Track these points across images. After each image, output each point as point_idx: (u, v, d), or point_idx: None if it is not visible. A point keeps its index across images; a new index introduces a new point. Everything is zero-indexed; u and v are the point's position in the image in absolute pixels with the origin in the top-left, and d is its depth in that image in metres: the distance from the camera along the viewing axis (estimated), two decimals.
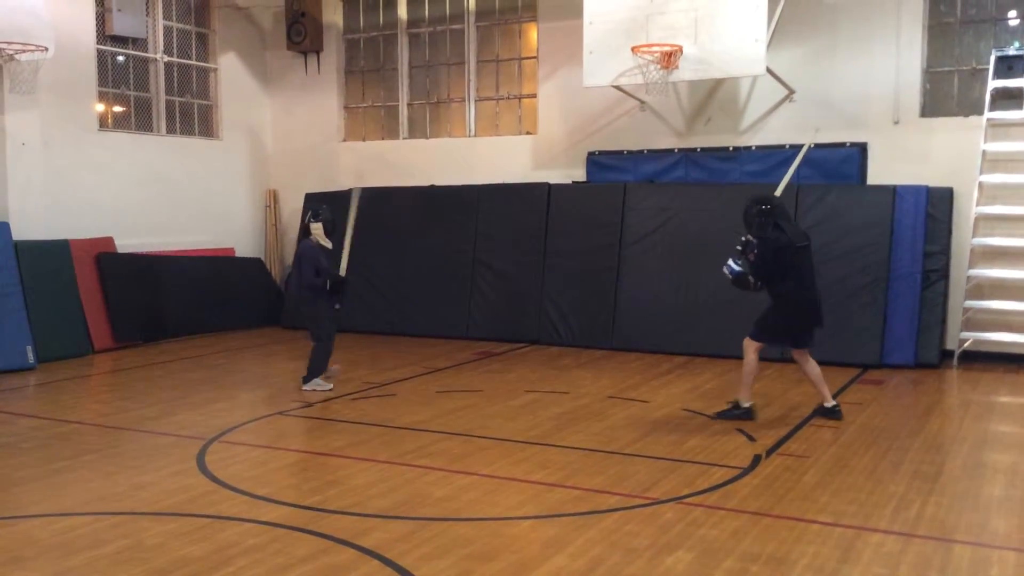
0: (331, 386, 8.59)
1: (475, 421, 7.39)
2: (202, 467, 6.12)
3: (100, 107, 11.87)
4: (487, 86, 13.06)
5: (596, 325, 11.08)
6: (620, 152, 11.80)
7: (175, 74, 12.90)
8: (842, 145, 10.69)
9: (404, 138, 13.58)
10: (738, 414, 7.30)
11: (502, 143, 12.79)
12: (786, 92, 10.86)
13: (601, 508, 5.25)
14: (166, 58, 12.70)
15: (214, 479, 5.85)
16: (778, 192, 7.77)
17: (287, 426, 7.53)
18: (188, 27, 13.10)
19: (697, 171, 11.36)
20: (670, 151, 11.54)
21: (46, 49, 9.90)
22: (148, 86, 12.58)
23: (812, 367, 7.40)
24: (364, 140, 13.84)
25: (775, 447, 6.57)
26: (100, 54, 11.74)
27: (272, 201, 14.17)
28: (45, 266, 10.29)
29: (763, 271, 7.16)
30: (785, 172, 8.70)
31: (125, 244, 11.63)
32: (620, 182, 11.53)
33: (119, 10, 11.75)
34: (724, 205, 10.81)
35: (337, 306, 8.63)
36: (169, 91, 12.80)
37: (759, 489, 5.61)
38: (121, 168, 11.91)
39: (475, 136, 13.09)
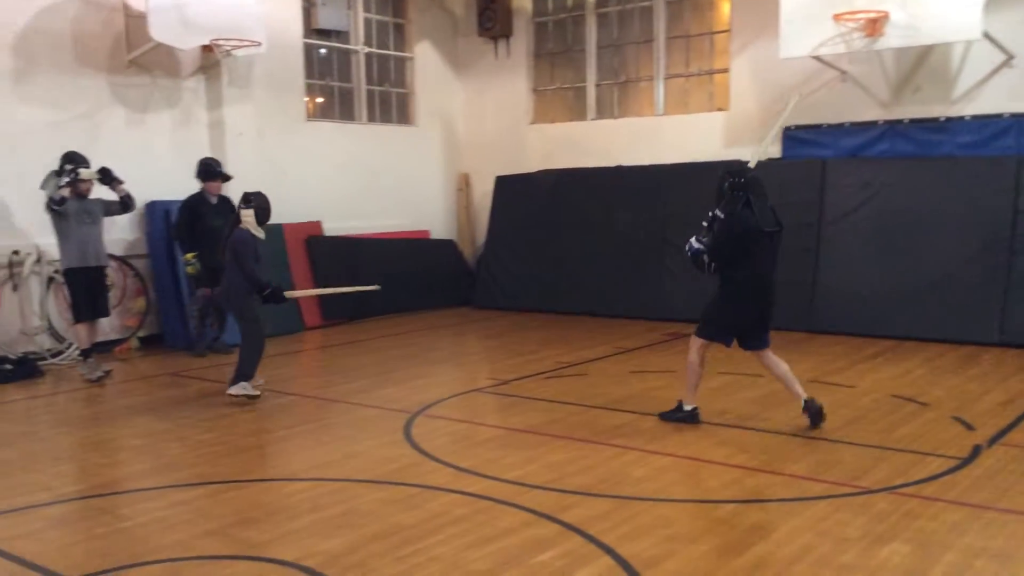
0: (259, 393, 7.60)
1: (670, 402, 7.30)
2: (408, 439, 6.40)
3: (307, 98, 12.56)
4: (676, 63, 12.83)
5: (793, 307, 10.66)
6: (819, 126, 11.30)
7: (375, 64, 13.46)
8: None
9: (592, 119, 13.58)
10: (680, 416, 6.58)
11: (692, 121, 12.55)
12: (1004, 57, 10.04)
13: (808, 495, 5.09)
14: (366, 49, 13.27)
15: (420, 451, 6.11)
16: (752, 164, 6.87)
17: (484, 402, 7.75)
18: (386, 18, 13.63)
19: (904, 144, 10.72)
20: (874, 123, 10.94)
21: (259, 44, 10.56)
22: (350, 76, 13.19)
23: (776, 365, 6.48)
24: (552, 122, 13.94)
25: (997, 437, 6.13)
26: (306, 47, 12.41)
27: (464, 184, 14.55)
28: (262, 249, 10.97)
29: (720, 252, 6.28)
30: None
31: (331, 227, 12.31)
32: (819, 158, 11.07)
33: (323, 4, 12.39)
34: (934, 180, 10.20)
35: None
36: (369, 81, 13.37)
37: (980, 481, 5.26)
38: (326, 156, 12.57)
39: (664, 115, 12.90)
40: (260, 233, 7.62)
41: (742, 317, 6.46)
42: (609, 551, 4.36)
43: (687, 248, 6.49)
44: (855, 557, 4.24)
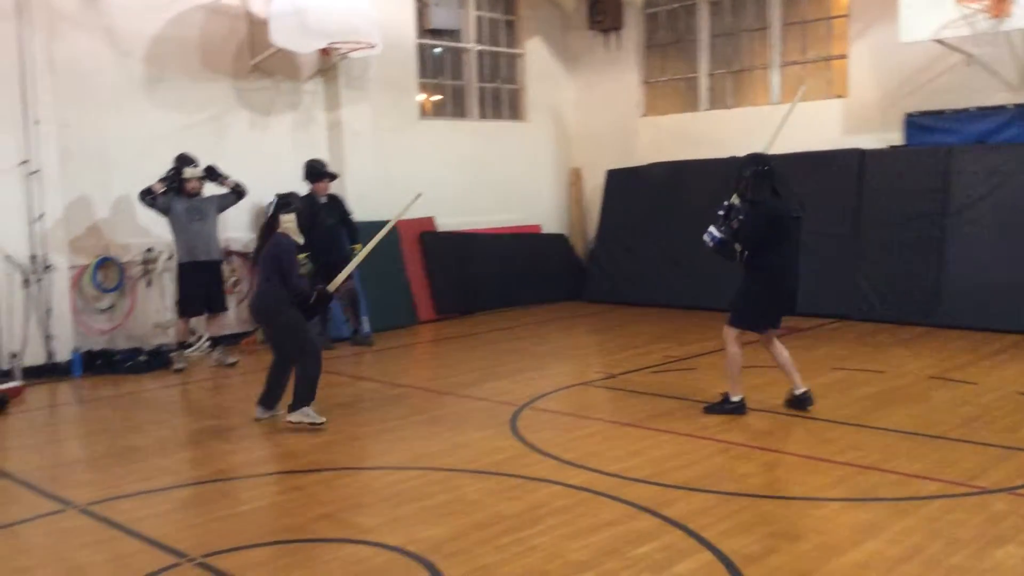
0: (324, 419, 6.74)
1: (779, 398, 7.18)
2: (514, 431, 6.51)
3: (420, 97, 12.83)
4: (792, 50, 12.51)
5: (915, 300, 10.31)
6: (943, 112, 10.84)
7: (486, 61, 13.63)
8: None
9: (705, 110, 13.38)
10: (729, 408, 6.71)
11: (809, 109, 12.09)
12: None
13: (921, 494, 4.93)
14: (478, 47, 13.45)
15: (525, 443, 6.20)
16: (767, 149, 6.91)
17: (591, 396, 7.79)
18: (497, 15, 13.78)
19: None
20: (1002, 108, 10.41)
21: (375, 46, 10.83)
22: (462, 74, 13.40)
23: (779, 351, 6.74)
24: (664, 114, 13.81)
25: None
26: (420, 47, 12.67)
27: (575, 178, 14.58)
28: (377, 245, 11.30)
29: (752, 240, 6.45)
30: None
31: (444, 223, 12.55)
32: (943, 145, 10.62)
33: (436, 4, 12.63)
34: None
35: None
36: (481, 78, 13.55)
37: None
38: (439, 153, 12.81)
39: (779, 104, 12.59)
40: (300, 239, 6.94)
41: (775, 303, 6.67)
42: (710, 546, 4.34)
43: (708, 238, 6.68)
44: (966, 559, 4.10)
